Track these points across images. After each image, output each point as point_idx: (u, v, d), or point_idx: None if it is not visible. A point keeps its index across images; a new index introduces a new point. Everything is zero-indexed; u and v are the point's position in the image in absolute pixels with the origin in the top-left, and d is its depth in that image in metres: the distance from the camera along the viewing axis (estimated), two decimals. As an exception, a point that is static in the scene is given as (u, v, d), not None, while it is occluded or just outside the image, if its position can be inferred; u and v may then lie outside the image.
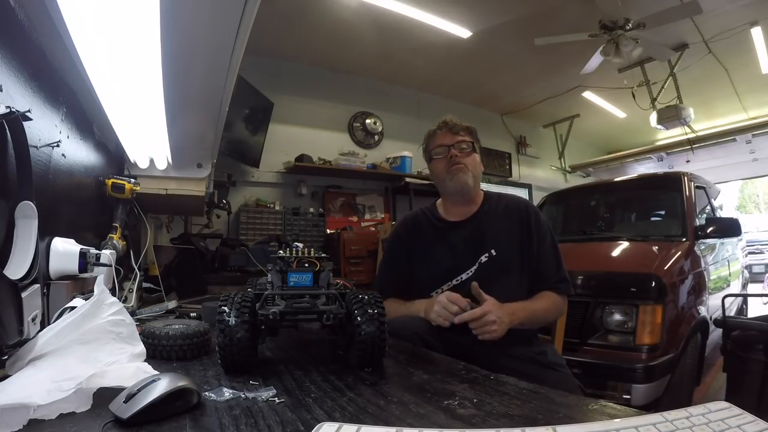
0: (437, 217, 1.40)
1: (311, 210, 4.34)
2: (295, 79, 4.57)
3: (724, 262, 3.17)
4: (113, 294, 0.84)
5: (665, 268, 2.22)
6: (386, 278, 1.42)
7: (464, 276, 1.28)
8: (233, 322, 0.71)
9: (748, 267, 5.57)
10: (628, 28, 3.69)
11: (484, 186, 6.14)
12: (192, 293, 1.98)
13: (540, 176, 6.76)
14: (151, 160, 1.68)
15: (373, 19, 3.78)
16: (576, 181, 6.86)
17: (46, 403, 0.51)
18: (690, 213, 2.68)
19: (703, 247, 2.65)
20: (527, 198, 6.25)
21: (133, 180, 1.57)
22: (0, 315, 0.58)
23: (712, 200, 3.30)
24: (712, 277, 2.74)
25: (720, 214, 3.45)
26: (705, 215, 2.98)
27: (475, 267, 1.28)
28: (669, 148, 6.31)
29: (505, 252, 1.28)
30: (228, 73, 1.13)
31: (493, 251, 1.28)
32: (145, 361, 0.69)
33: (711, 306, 2.57)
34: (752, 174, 6.47)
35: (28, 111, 0.77)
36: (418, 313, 1.18)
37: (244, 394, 0.61)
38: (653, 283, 2.09)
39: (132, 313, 1.21)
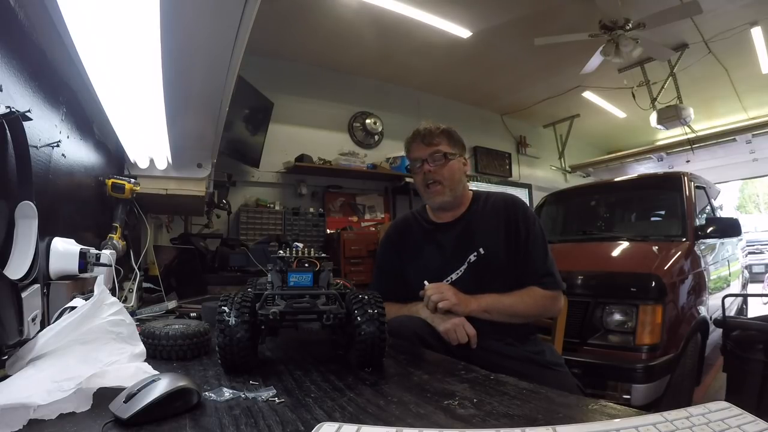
0: (426, 219, 1.40)
1: (311, 210, 4.34)
2: (295, 79, 4.57)
3: (724, 262, 3.17)
4: (113, 294, 0.84)
5: (665, 268, 2.22)
6: (380, 282, 1.41)
7: (454, 276, 1.28)
8: (233, 322, 0.71)
9: (748, 267, 5.57)
10: (628, 28, 3.69)
11: (484, 186, 6.08)
12: (192, 293, 1.97)
13: (540, 176, 6.75)
14: (151, 160, 1.68)
15: (373, 20, 3.78)
16: (576, 181, 6.85)
17: (46, 403, 0.51)
18: (690, 213, 2.68)
19: (703, 247, 2.65)
20: (527, 198, 6.25)
21: (133, 180, 1.57)
22: (0, 315, 0.58)
23: (712, 200, 3.30)
24: (712, 277, 2.74)
25: (720, 214, 3.45)
26: (705, 215, 2.98)
27: (464, 266, 1.27)
28: (669, 148, 6.31)
29: (493, 250, 1.27)
30: (228, 73, 1.14)
31: (481, 250, 1.27)
32: (145, 361, 0.69)
33: (711, 306, 2.57)
34: (752, 174, 6.46)
35: (28, 111, 0.77)
36: (418, 314, 1.18)
37: (244, 394, 0.61)
38: (653, 283, 2.09)
39: (132, 313, 1.21)
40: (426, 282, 1.19)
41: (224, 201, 3.39)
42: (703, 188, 3.12)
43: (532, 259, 1.26)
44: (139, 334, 0.77)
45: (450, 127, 1.35)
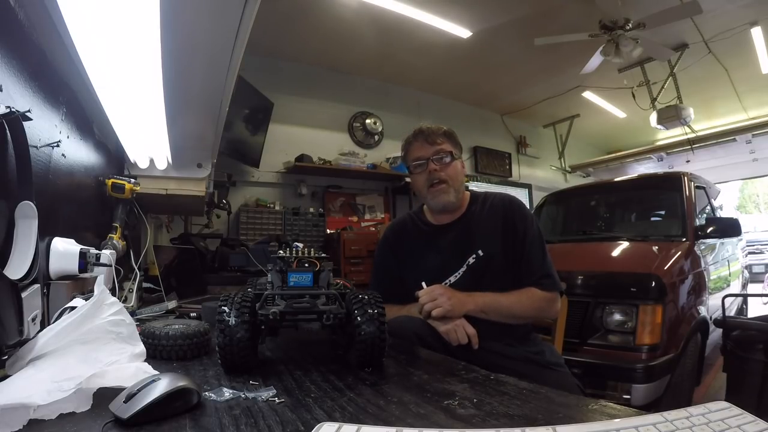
0: (424, 222, 1.39)
1: (311, 210, 4.34)
2: (295, 79, 4.57)
3: (724, 262, 3.17)
4: (113, 294, 0.84)
5: (665, 268, 2.22)
6: (378, 285, 1.38)
7: (452, 278, 1.27)
8: (233, 322, 0.71)
9: (748, 267, 5.57)
10: (628, 28, 3.69)
11: (484, 186, 6.07)
12: (192, 293, 1.97)
13: (540, 176, 6.76)
14: (151, 160, 1.69)
15: (373, 19, 3.78)
16: (576, 181, 6.85)
17: (46, 403, 0.51)
18: (690, 213, 2.68)
19: (703, 247, 2.65)
20: (527, 198, 6.25)
21: (133, 180, 1.57)
22: (0, 315, 0.58)
23: (712, 200, 3.30)
24: (712, 277, 2.74)
25: (720, 214, 3.45)
26: (705, 215, 2.98)
27: (463, 269, 1.27)
28: (669, 148, 6.32)
29: (491, 252, 1.26)
30: (228, 73, 1.13)
31: (480, 252, 1.26)
32: (145, 361, 0.69)
33: (711, 306, 2.57)
34: (752, 174, 6.46)
35: (28, 111, 0.77)
36: (417, 314, 1.18)
37: (244, 394, 0.62)
38: (653, 283, 2.09)
39: (132, 313, 1.21)
40: (423, 284, 1.16)
41: (224, 201, 3.39)
42: (703, 188, 3.12)
43: (531, 260, 1.25)
44: (139, 334, 0.77)
45: (450, 128, 1.35)
